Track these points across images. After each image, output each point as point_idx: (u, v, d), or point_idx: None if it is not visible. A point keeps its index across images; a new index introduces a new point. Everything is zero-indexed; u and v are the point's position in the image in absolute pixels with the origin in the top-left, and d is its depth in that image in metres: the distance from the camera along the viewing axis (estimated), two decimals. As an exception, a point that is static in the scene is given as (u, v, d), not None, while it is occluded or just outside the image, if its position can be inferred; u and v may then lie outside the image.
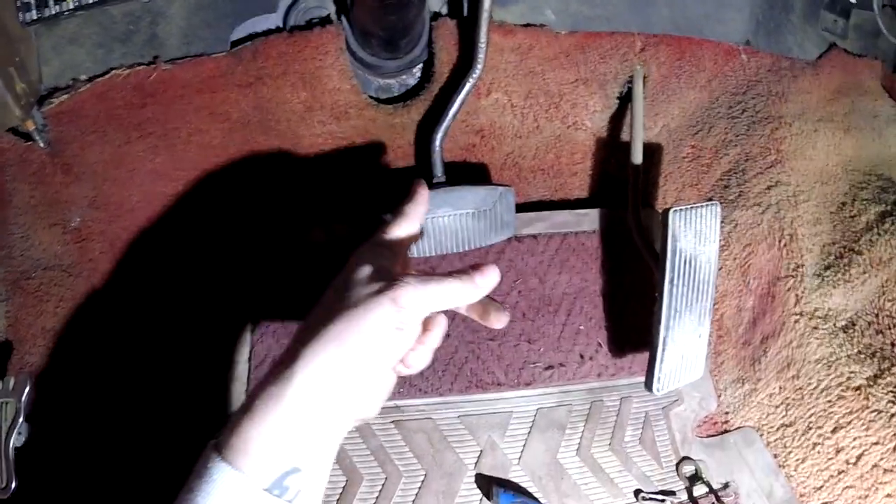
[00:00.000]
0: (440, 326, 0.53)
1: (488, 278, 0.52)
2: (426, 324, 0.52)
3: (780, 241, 0.94)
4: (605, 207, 1.12)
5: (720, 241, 0.94)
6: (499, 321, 0.58)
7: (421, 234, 0.57)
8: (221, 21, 0.94)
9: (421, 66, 1.05)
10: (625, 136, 1.12)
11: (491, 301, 0.58)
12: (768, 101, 1.01)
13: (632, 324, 1.06)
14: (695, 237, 0.90)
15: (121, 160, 0.98)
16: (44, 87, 0.90)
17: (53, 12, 0.87)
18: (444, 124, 0.98)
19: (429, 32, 0.99)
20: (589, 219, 1.11)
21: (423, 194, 0.60)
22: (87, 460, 0.89)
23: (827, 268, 0.91)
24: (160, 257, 1.04)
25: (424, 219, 0.65)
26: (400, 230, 0.57)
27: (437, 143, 0.99)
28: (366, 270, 0.50)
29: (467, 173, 1.13)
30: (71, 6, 0.88)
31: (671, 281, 0.89)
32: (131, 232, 1.03)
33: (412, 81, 1.06)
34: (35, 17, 0.87)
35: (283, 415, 0.44)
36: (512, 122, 1.10)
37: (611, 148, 1.15)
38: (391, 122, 1.04)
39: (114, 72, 0.90)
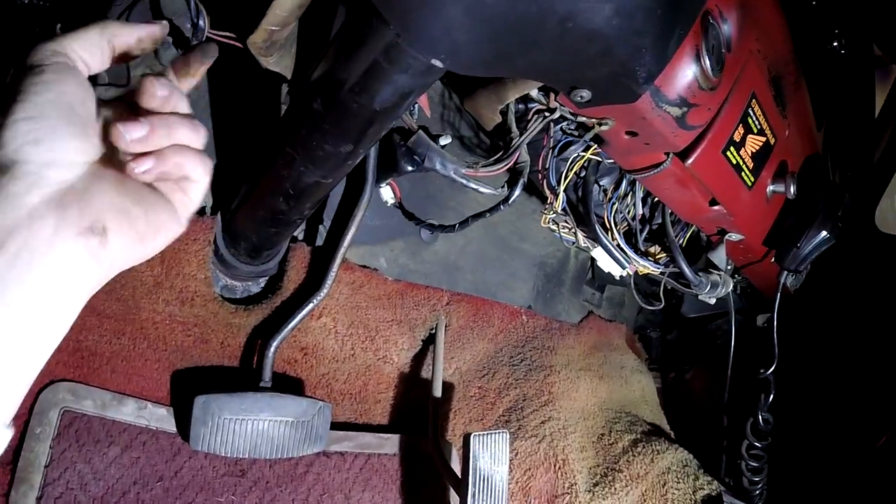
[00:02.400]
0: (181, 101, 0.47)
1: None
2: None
3: (555, 466, 1.15)
4: (403, 433, 1.23)
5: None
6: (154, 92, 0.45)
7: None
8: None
9: (267, 278, 1.16)
10: (424, 374, 1.31)
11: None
12: (542, 353, 1.31)
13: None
14: (490, 458, 1.07)
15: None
16: None
17: None
18: (283, 334, 1.06)
19: (286, 251, 1.13)
20: (390, 442, 1.21)
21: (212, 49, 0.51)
22: None
23: (596, 484, 1.13)
24: None
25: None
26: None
27: (272, 350, 1.06)
28: None
29: (284, 385, 1.17)
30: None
31: (473, 495, 1.03)
32: None
33: (255, 290, 1.15)
34: None
35: None
36: (333, 346, 1.22)
37: (411, 382, 1.31)
38: (230, 320, 1.09)
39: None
